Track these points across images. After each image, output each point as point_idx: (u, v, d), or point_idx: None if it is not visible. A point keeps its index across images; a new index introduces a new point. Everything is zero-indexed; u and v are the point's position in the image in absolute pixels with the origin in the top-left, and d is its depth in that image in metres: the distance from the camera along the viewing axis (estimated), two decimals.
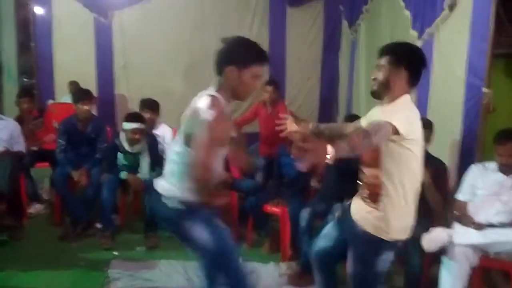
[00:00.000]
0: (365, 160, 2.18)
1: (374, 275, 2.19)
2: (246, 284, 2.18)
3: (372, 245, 2.14)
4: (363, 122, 2.35)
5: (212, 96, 2.01)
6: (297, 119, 2.44)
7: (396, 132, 1.94)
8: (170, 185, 2.12)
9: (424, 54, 2.18)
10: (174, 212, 2.10)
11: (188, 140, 2.03)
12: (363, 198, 2.21)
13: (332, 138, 2.53)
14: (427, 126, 3.08)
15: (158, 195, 2.15)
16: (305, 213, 3.50)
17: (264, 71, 2.11)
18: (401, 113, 2.01)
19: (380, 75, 2.12)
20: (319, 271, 2.53)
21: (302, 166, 1.80)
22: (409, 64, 2.10)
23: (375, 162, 2.08)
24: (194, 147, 1.94)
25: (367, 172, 2.18)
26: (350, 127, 2.45)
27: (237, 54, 2.05)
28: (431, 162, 3.17)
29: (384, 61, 2.12)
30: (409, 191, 2.11)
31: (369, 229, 2.14)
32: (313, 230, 3.44)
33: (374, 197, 2.13)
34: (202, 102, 2.00)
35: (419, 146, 2.09)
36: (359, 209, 2.23)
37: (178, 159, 2.10)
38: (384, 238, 2.11)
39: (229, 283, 2.18)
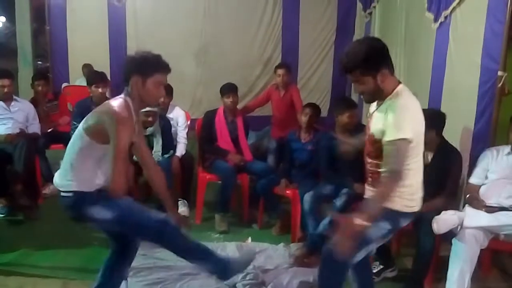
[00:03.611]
0: (369, 153, 2.24)
1: (360, 238, 2.15)
2: (166, 233, 2.38)
3: None
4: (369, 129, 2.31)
5: (124, 99, 2.24)
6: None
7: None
8: (63, 177, 2.31)
9: (377, 39, 2.20)
10: (71, 201, 2.29)
11: (93, 130, 2.21)
12: (368, 185, 2.31)
13: None
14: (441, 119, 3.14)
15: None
16: (308, 197, 3.54)
17: (166, 80, 2.32)
18: (405, 116, 2.04)
19: (365, 88, 2.12)
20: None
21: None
22: (383, 61, 2.09)
23: (380, 154, 2.14)
24: (112, 148, 2.14)
25: (369, 162, 2.25)
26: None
27: (141, 65, 2.26)
28: (447, 151, 3.15)
29: (357, 75, 2.10)
30: (412, 171, 2.13)
31: None
32: (320, 213, 3.48)
33: (376, 182, 2.20)
34: (115, 101, 2.22)
35: (422, 135, 2.14)
36: (367, 191, 2.33)
37: (73, 148, 2.29)
38: (388, 206, 2.11)
39: (151, 238, 2.44)
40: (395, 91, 2.12)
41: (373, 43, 2.14)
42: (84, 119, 2.28)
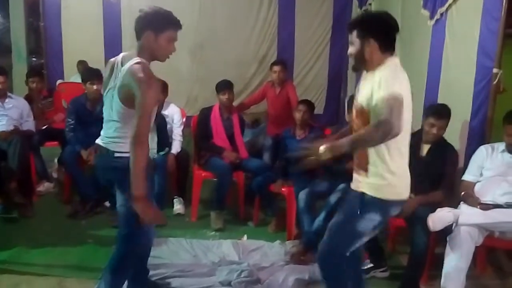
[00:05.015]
0: (357, 127, 2.17)
1: (352, 232, 2.18)
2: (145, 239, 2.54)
3: (362, 202, 2.15)
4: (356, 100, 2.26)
5: (141, 62, 2.24)
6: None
7: None
8: (117, 141, 2.35)
9: (391, 17, 2.16)
10: (120, 161, 2.31)
11: (126, 100, 2.24)
12: (355, 169, 2.24)
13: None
14: (446, 115, 3.11)
15: (104, 150, 2.39)
16: (303, 195, 3.54)
17: (176, 36, 2.36)
18: (395, 77, 2.01)
19: (353, 50, 2.15)
20: None
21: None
22: (375, 32, 2.10)
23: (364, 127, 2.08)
24: (138, 108, 2.16)
25: None
26: None
27: (154, 20, 2.29)
28: (443, 146, 3.16)
29: (353, 35, 2.14)
30: (397, 151, 2.09)
31: (363, 189, 2.16)
32: (315, 210, 3.48)
33: (362, 164, 2.16)
34: (134, 66, 2.21)
35: (409, 107, 2.06)
36: (354, 180, 2.26)
37: (118, 118, 2.33)
38: (376, 197, 2.11)
39: (131, 233, 2.45)
40: (385, 62, 2.09)
41: (381, 15, 2.18)
42: (117, 88, 2.27)
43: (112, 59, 2.43)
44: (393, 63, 2.11)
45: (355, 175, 2.25)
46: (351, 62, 2.22)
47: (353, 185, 2.26)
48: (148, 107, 2.18)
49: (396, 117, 1.86)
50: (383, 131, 1.87)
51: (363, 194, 2.16)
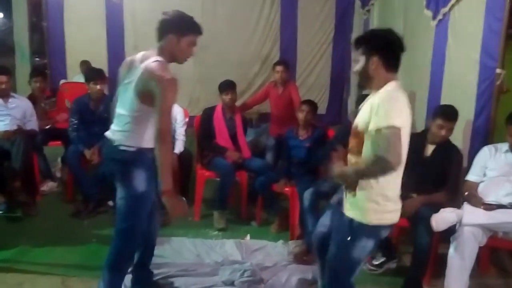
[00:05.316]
0: (352, 148, 2.15)
1: (350, 262, 2.16)
2: (139, 236, 2.54)
3: (352, 230, 2.11)
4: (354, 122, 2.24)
5: (160, 60, 2.30)
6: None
7: None
8: (125, 135, 2.40)
9: (397, 36, 2.12)
10: (124, 154, 2.39)
11: (142, 97, 2.29)
12: (345, 187, 2.19)
13: None
14: (455, 116, 3.09)
15: (111, 142, 2.44)
16: (308, 194, 3.54)
17: (197, 41, 2.46)
18: (394, 107, 1.97)
19: (358, 67, 2.14)
20: (319, 256, 2.52)
21: None
22: (379, 50, 2.07)
23: (361, 149, 2.07)
24: (160, 105, 2.22)
25: (350, 159, 2.17)
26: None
27: (177, 24, 2.39)
28: (449, 148, 3.15)
29: (359, 53, 2.13)
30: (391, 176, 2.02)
31: (351, 214, 2.12)
32: (319, 210, 3.48)
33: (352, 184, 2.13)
34: (152, 64, 2.27)
35: (406, 132, 2.02)
36: (344, 201, 2.22)
37: (129, 112, 2.37)
38: (364, 223, 2.08)
39: (127, 228, 2.48)
40: (386, 85, 2.06)
41: (387, 32, 2.14)
42: (134, 83, 2.30)
43: (129, 58, 2.48)
44: (394, 87, 2.06)
45: (345, 194, 2.20)
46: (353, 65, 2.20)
47: (342, 207, 2.21)
48: (169, 105, 2.25)
49: (393, 153, 1.89)
50: (381, 168, 1.91)
51: (351, 221, 2.11)
